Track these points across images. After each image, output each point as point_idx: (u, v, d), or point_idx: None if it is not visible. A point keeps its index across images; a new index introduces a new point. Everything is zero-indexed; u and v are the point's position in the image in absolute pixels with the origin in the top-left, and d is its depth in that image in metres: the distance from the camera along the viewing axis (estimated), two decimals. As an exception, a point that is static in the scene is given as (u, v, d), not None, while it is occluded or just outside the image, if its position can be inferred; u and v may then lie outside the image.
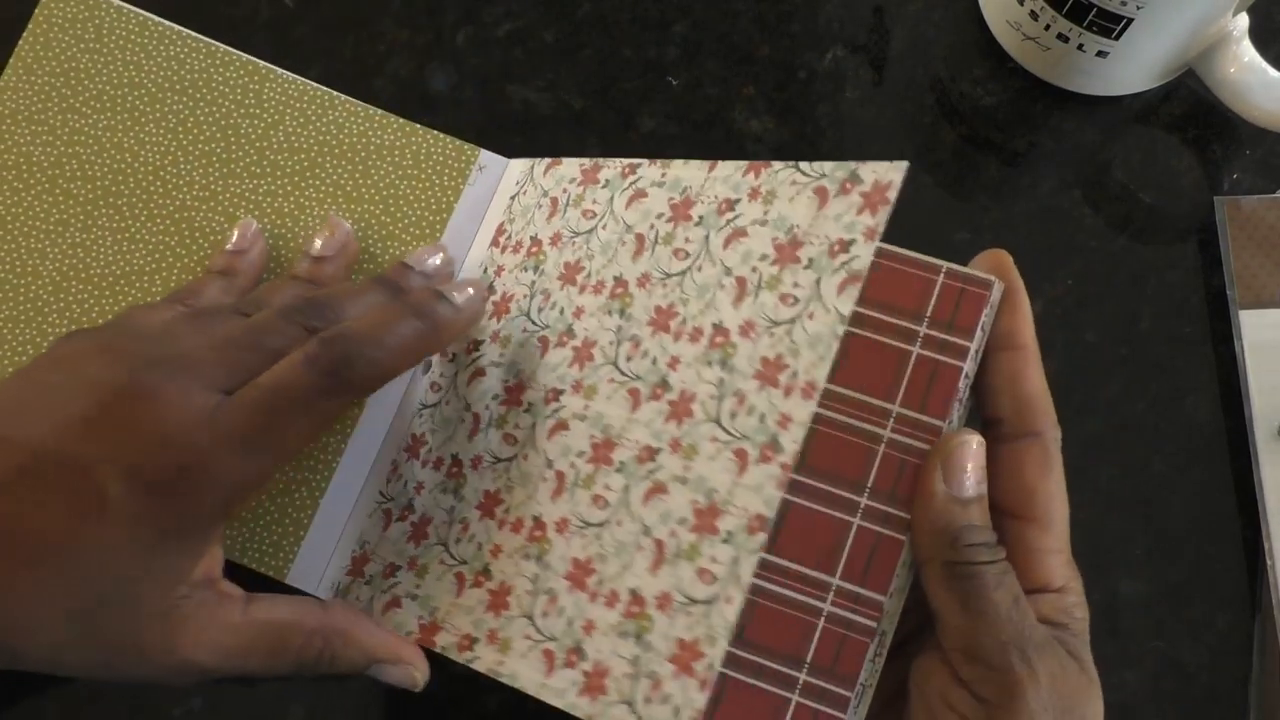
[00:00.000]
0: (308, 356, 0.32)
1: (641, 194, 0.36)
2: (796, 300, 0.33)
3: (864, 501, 0.32)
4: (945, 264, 0.33)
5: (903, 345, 0.33)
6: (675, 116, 0.42)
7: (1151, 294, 0.41)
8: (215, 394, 0.31)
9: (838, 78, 0.43)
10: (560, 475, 0.34)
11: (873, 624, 0.32)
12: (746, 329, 0.33)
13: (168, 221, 0.39)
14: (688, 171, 0.36)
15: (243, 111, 0.40)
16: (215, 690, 0.37)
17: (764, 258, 0.34)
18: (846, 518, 0.32)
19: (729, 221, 0.35)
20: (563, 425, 0.35)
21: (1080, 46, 0.39)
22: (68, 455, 0.30)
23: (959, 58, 0.43)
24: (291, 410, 0.32)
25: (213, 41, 0.41)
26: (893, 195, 0.32)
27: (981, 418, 0.33)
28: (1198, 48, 0.40)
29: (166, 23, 0.41)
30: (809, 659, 0.32)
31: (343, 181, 0.40)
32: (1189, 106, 0.43)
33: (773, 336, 0.33)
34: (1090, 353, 0.40)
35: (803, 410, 0.32)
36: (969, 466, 0.31)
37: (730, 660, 0.32)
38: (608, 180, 0.37)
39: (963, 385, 0.33)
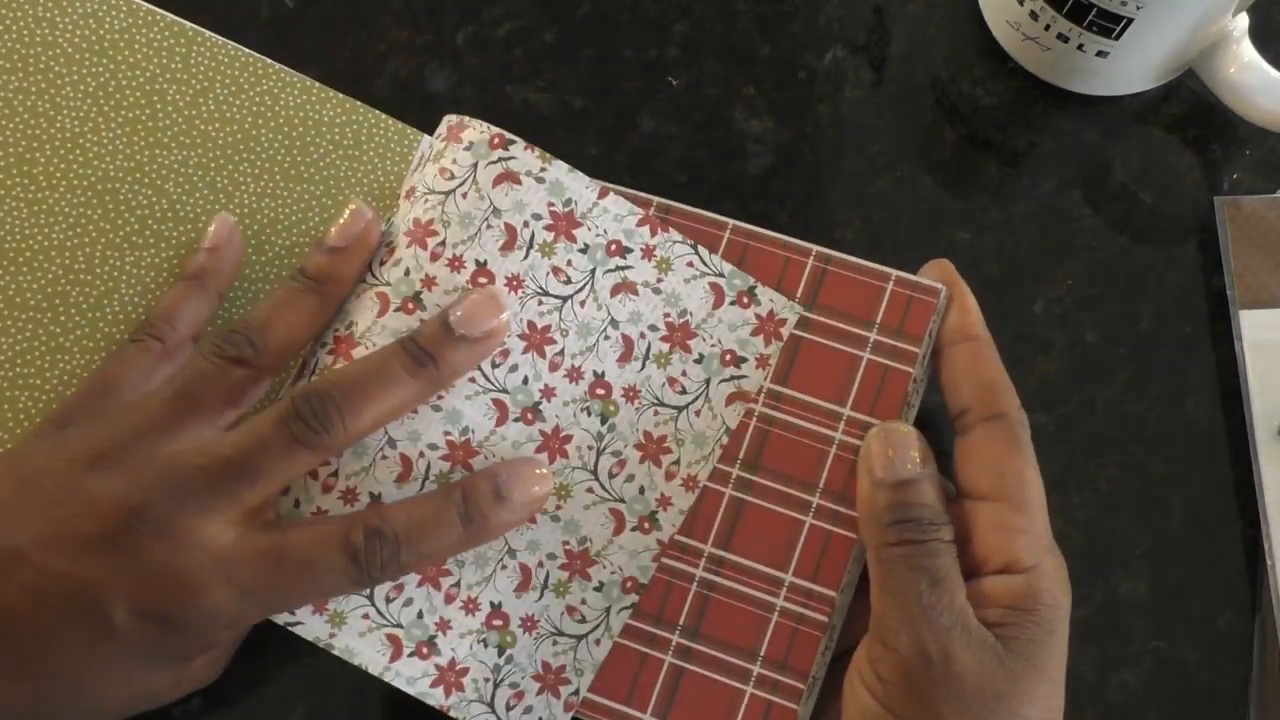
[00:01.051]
0: (349, 549, 0.31)
1: (513, 177, 0.34)
2: (685, 390, 0.35)
3: (816, 501, 0.34)
4: (895, 272, 0.35)
5: (853, 350, 0.35)
6: (675, 116, 0.42)
7: (1151, 294, 0.41)
8: (227, 526, 0.31)
9: (838, 78, 0.43)
10: (408, 461, 0.33)
11: (824, 618, 0.33)
12: (630, 394, 0.35)
13: (89, 194, 0.37)
14: (572, 182, 0.35)
15: (169, 76, 0.38)
16: (216, 690, 0.37)
17: (653, 328, 0.35)
18: (799, 516, 0.34)
19: (619, 269, 0.35)
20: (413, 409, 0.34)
21: (1080, 46, 0.39)
22: (78, 581, 0.30)
23: (959, 58, 0.43)
24: (311, 584, 0.31)
25: None
26: (786, 332, 0.35)
27: (950, 414, 0.33)
28: (1198, 48, 0.40)
29: None
30: (763, 652, 0.33)
31: (279, 157, 0.38)
32: (1189, 106, 0.43)
33: (658, 415, 0.35)
34: (1090, 353, 0.40)
35: (684, 501, 0.34)
36: (889, 453, 0.32)
37: (685, 654, 0.34)
38: (586, 235, 0.35)
39: (911, 389, 0.34)
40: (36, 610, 0.30)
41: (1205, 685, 0.38)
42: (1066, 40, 0.40)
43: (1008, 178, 0.42)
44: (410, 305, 0.34)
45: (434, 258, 0.34)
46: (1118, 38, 0.38)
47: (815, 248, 0.36)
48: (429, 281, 0.34)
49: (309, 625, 0.33)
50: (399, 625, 0.33)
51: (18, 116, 0.37)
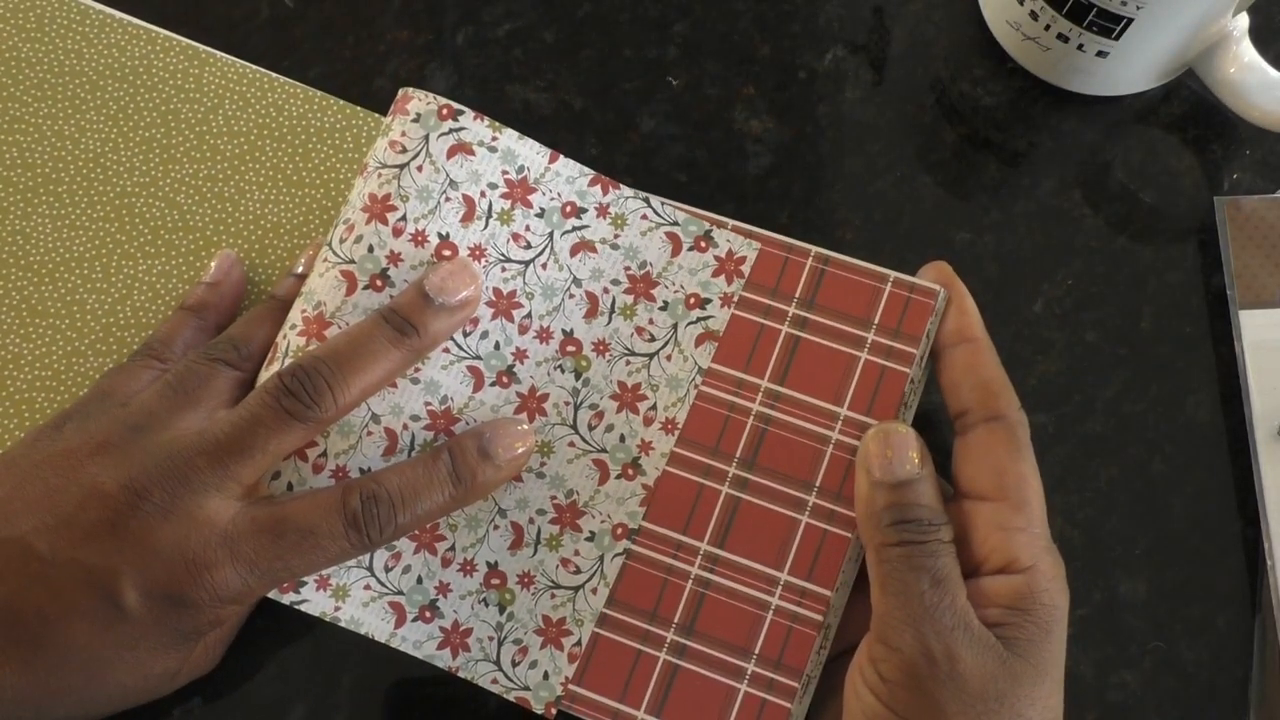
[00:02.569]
0: (347, 514, 0.32)
1: (466, 148, 0.35)
2: (653, 338, 0.36)
3: (812, 500, 0.34)
4: (893, 273, 0.35)
5: (851, 351, 0.35)
6: (675, 116, 0.42)
7: (1151, 294, 0.41)
8: (228, 502, 0.32)
9: (838, 78, 0.43)
10: (392, 434, 0.34)
11: (819, 617, 0.33)
12: (601, 348, 0.36)
13: (108, 209, 0.39)
14: (523, 148, 0.36)
15: (183, 96, 0.40)
16: (215, 689, 0.37)
17: (616, 283, 0.36)
18: (795, 515, 0.34)
19: (575, 229, 0.36)
20: (390, 382, 0.35)
21: (1080, 46, 0.39)
22: (86, 566, 0.31)
23: (959, 58, 0.43)
24: (312, 551, 0.32)
25: (153, 27, 0.41)
26: (746, 270, 0.36)
27: (951, 415, 0.34)
28: (1198, 48, 0.40)
29: (108, 10, 0.41)
30: (757, 650, 0.33)
31: (283, 165, 0.40)
32: (1189, 106, 0.43)
33: (629, 365, 0.36)
34: (1090, 353, 0.40)
35: (664, 444, 0.35)
36: (887, 453, 0.32)
37: (680, 651, 0.34)
38: (541, 200, 0.36)
39: (908, 390, 0.35)
40: (47, 599, 0.31)
41: (1205, 685, 0.38)
42: (1066, 40, 0.40)
43: (1008, 178, 0.42)
44: (379, 282, 0.34)
45: (396, 233, 0.34)
46: (1118, 38, 0.38)
47: (814, 248, 0.36)
48: (394, 258, 0.34)
49: (314, 602, 0.33)
50: (400, 592, 0.34)
51: (46, 140, 0.40)
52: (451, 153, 0.35)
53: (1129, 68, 0.41)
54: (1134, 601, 0.39)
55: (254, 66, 0.41)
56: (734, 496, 0.34)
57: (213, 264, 0.38)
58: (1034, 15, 0.40)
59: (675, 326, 0.36)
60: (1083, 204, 0.42)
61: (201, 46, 0.41)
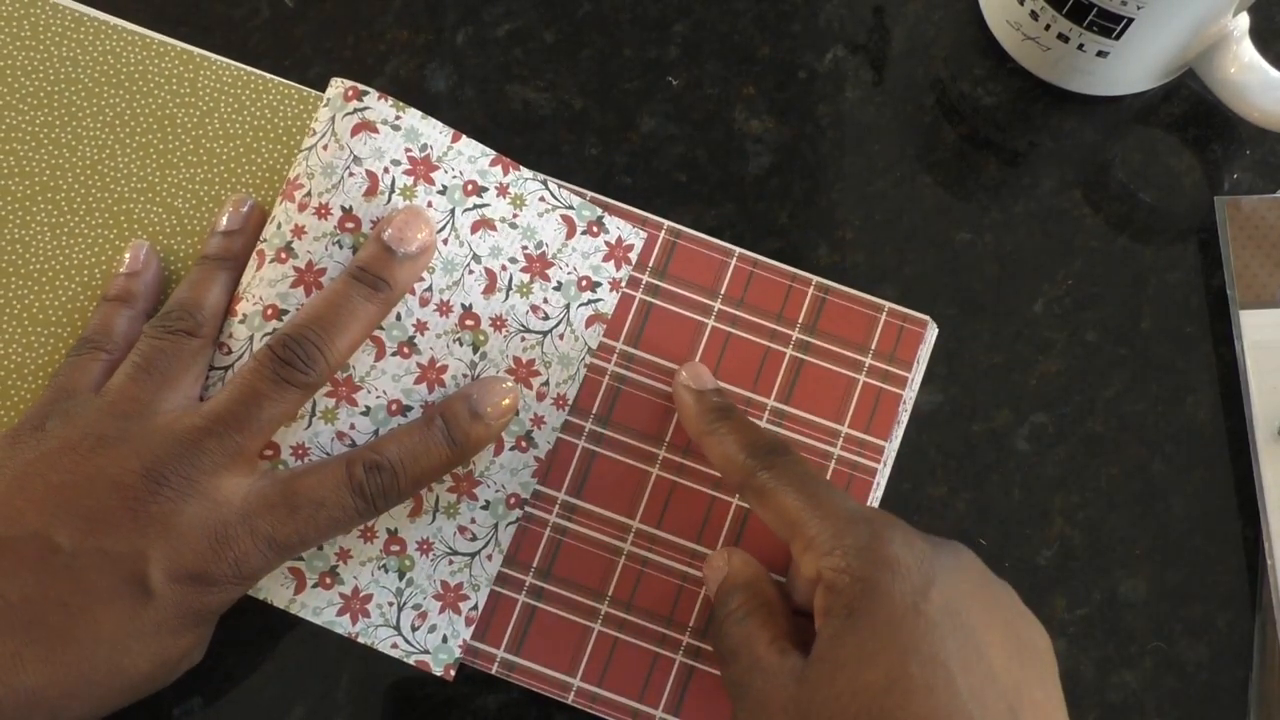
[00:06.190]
0: (353, 485, 0.33)
1: (370, 126, 0.36)
2: (548, 316, 0.37)
3: None
4: (887, 304, 0.38)
5: (850, 374, 0.37)
6: (675, 116, 0.42)
7: (1151, 294, 0.41)
8: (240, 478, 0.33)
9: (838, 78, 0.43)
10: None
11: None
12: (498, 323, 0.37)
13: (106, 215, 0.39)
14: (427, 128, 0.37)
15: (178, 101, 0.40)
16: (215, 689, 0.37)
17: (514, 261, 0.37)
18: None
19: (476, 207, 0.37)
20: None
21: (1080, 46, 0.39)
22: (111, 554, 0.31)
23: (959, 58, 0.43)
24: (325, 523, 0.33)
25: (148, 32, 0.41)
26: (633, 257, 0.38)
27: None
28: (1198, 48, 0.40)
29: (103, 16, 0.41)
30: None
31: (278, 165, 0.40)
32: (1189, 106, 0.43)
33: (525, 341, 0.37)
34: (1090, 353, 0.40)
35: (556, 418, 0.37)
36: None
37: (696, 654, 0.36)
38: (443, 177, 0.37)
39: (902, 410, 0.37)
40: (70, 591, 0.31)
41: (1205, 685, 0.38)
42: (1067, 40, 0.40)
43: (1008, 178, 0.42)
44: (283, 255, 0.35)
45: (301, 208, 0.36)
46: (1118, 38, 0.38)
47: (815, 278, 0.38)
48: (298, 230, 0.36)
49: None
50: (300, 558, 0.35)
51: (43, 148, 0.40)
52: (355, 130, 0.36)
53: (1129, 68, 0.40)
54: (1134, 601, 0.39)
55: (249, 68, 0.41)
56: (745, 508, 0.36)
57: (127, 254, 0.38)
58: (1034, 15, 0.40)
59: (568, 307, 0.37)
60: (1083, 204, 0.42)
61: (196, 50, 0.41)
